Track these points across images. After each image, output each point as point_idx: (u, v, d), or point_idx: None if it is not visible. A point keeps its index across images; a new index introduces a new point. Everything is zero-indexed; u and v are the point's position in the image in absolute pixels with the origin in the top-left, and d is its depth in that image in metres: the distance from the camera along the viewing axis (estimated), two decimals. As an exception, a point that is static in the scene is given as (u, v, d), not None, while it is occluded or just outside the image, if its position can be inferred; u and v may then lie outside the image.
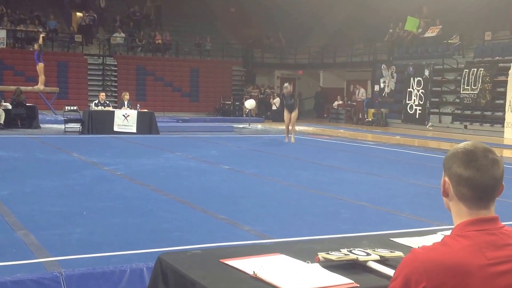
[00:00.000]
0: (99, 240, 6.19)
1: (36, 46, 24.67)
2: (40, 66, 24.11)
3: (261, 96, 32.59)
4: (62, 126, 20.00)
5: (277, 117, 30.25)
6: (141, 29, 34.60)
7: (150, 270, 4.85)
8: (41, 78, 24.27)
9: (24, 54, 30.13)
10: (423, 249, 1.91)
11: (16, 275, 4.73)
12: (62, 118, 20.26)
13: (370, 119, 28.30)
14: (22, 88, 22.38)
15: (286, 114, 18.57)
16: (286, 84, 19.32)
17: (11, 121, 20.44)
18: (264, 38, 37.39)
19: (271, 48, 37.04)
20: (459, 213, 1.96)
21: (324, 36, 35.50)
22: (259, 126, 26.32)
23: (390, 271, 2.50)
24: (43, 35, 26.45)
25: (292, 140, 18.43)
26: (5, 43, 29.87)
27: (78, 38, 32.05)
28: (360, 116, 29.68)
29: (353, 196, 9.22)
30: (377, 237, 3.83)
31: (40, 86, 24.16)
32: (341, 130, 24.32)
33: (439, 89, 25.99)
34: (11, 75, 28.97)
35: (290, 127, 18.51)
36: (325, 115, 33.21)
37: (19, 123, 20.74)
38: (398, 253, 2.75)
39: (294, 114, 18.36)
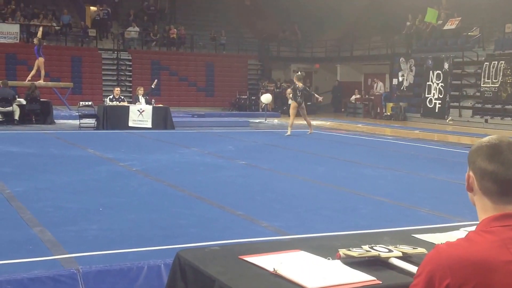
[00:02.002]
0: (115, 236, 6.17)
1: (35, 41, 24.58)
2: (41, 60, 24.00)
3: (277, 90, 32.46)
4: (76, 122, 20.07)
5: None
6: (156, 23, 34.64)
7: (167, 267, 4.84)
8: (42, 72, 24.18)
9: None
10: (447, 245, 1.88)
11: (32, 272, 4.73)
12: (77, 114, 20.32)
13: (389, 113, 28.07)
14: (36, 83, 22.43)
15: (293, 106, 18.69)
16: (299, 73, 19.43)
17: (26, 117, 20.51)
18: (279, 32, 37.22)
19: (287, 41, 36.87)
20: (484, 208, 1.93)
21: (341, 29, 35.33)
22: (276, 120, 26.22)
23: (413, 268, 2.47)
24: (42, 28, 26.40)
25: (310, 131, 18.60)
26: (18, 38, 30.00)
27: (92, 32, 32.14)
28: (378, 110, 29.46)
29: (372, 192, 9.12)
30: (398, 233, 3.77)
31: (41, 81, 24.08)
32: (359, 125, 24.13)
33: (459, 82, 25.71)
34: (24, 70, 29.04)
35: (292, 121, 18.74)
36: (342, 110, 33.04)
37: (33, 119, 20.83)
38: (420, 250, 2.72)
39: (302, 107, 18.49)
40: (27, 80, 23.76)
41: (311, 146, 16.17)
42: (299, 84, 18.51)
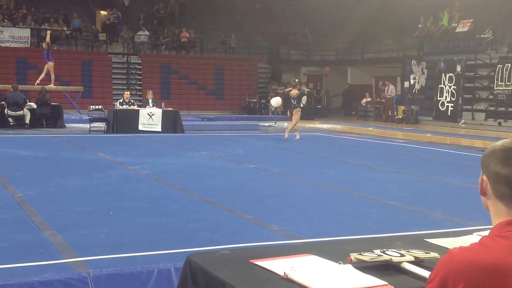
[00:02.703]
0: (125, 240, 6.18)
1: (44, 45, 24.64)
2: (50, 64, 24.03)
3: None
4: (87, 125, 20.12)
5: (304, 115, 30.13)
6: (165, 27, 34.69)
7: (177, 271, 4.84)
8: (52, 76, 24.20)
9: (49, 53, 30.37)
10: (461, 250, 1.86)
11: (43, 276, 4.75)
12: (87, 117, 20.37)
13: (400, 117, 27.85)
14: (47, 87, 22.51)
15: (289, 114, 18.48)
16: (296, 81, 19.23)
17: (36, 121, 20.60)
18: (290, 35, 37.13)
19: (297, 44, 36.75)
20: (498, 213, 1.91)
21: (351, 32, 35.16)
22: (286, 124, 26.02)
23: (425, 273, 2.45)
24: (50, 32, 26.41)
25: (286, 136, 18.21)
26: (29, 42, 30.12)
27: (102, 36, 32.23)
28: (390, 114, 29.25)
29: (383, 195, 9.09)
30: (410, 237, 3.76)
31: (52, 85, 24.13)
32: (370, 128, 23.93)
33: (472, 85, 25.46)
34: (35, 74, 29.08)
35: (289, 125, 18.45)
36: (353, 113, 32.81)
37: (44, 123, 20.92)
38: (433, 254, 2.69)
39: (295, 113, 18.12)
40: (36, 83, 23.82)
41: (321, 149, 16.15)
42: (293, 91, 18.25)
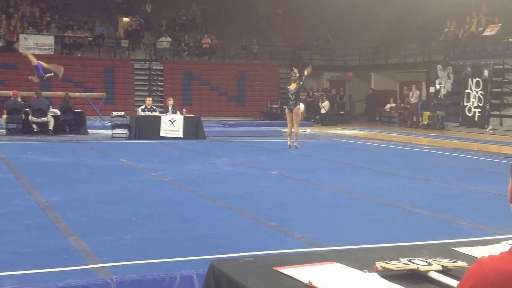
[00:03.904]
0: (148, 246, 6.19)
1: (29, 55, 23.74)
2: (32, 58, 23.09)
3: (310, 99, 32.31)
4: (109, 132, 20.24)
5: (326, 120, 30.07)
6: (187, 33, 34.84)
7: (200, 277, 4.85)
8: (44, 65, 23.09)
9: (72, 60, 30.65)
10: (490, 259, 1.82)
11: (67, 281, 4.79)
12: (110, 124, 20.49)
13: (425, 122, 27.50)
14: (70, 93, 22.65)
15: (287, 113, 16.89)
16: (295, 71, 17.42)
17: (60, 127, 20.78)
18: (312, 40, 36.99)
19: (320, 49, 36.60)
20: (528, 222, 1.88)
21: (375, 36, 34.92)
22: (308, 130, 25.99)
23: (453, 282, 2.42)
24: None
25: (296, 144, 17.05)
26: (53, 49, 30.42)
27: (125, 43, 32.45)
28: (415, 119, 28.90)
29: (409, 203, 8.98)
30: (437, 246, 3.71)
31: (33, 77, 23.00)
32: (394, 134, 23.66)
33: (500, 90, 25.07)
34: (59, 81, 29.41)
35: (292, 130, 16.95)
36: (377, 119, 32.48)
37: (67, 129, 21.08)
38: (461, 263, 2.65)
39: (296, 113, 16.71)
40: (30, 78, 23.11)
41: (345, 156, 16.05)
42: (292, 86, 16.89)
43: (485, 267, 1.80)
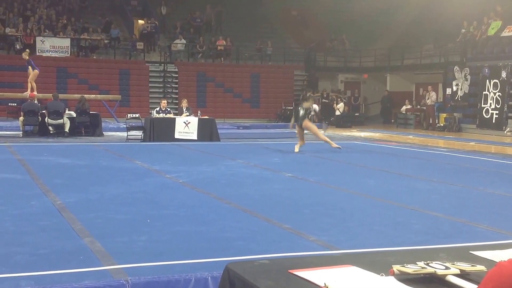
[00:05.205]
0: (163, 248, 6.21)
1: (24, 56, 23.39)
2: (35, 73, 22.53)
3: (324, 101, 32.17)
4: (124, 134, 20.30)
5: (341, 122, 29.96)
6: (202, 35, 34.90)
7: (214, 280, 4.85)
8: (33, 85, 22.69)
9: (88, 62, 30.83)
10: (510, 263, 1.81)
11: (83, 283, 4.82)
12: (125, 126, 20.56)
13: (442, 124, 27.27)
14: (86, 96, 22.75)
15: (298, 129, 17.09)
16: (309, 94, 18.22)
17: (76, 129, 20.91)
18: (327, 41, 36.86)
19: (335, 51, 36.45)
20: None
21: (390, 37, 34.69)
22: (322, 132, 25.91)
23: (471, 286, 2.40)
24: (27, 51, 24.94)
25: (335, 146, 17.23)
26: (69, 52, 30.59)
27: (140, 45, 32.55)
28: (431, 121, 28.60)
29: (425, 206, 8.91)
30: (455, 249, 3.69)
31: (28, 92, 22.59)
32: (410, 136, 23.51)
33: (518, 91, 24.94)
34: (75, 83, 29.65)
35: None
36: (392, 121, 32.24)
37: (83, 131, 21.21)
38: (480, 267, 2.63)
39: (306, 127, 16.87)
40: (28, 95, 22.49)
41: (360, 158, 15.98)
42: (306, 104, 17.15)
43: (505, 270, 1.79)
